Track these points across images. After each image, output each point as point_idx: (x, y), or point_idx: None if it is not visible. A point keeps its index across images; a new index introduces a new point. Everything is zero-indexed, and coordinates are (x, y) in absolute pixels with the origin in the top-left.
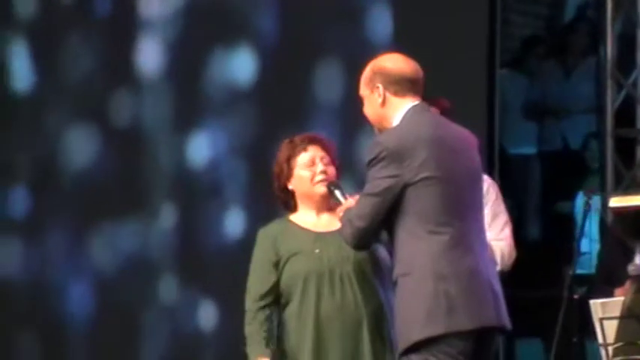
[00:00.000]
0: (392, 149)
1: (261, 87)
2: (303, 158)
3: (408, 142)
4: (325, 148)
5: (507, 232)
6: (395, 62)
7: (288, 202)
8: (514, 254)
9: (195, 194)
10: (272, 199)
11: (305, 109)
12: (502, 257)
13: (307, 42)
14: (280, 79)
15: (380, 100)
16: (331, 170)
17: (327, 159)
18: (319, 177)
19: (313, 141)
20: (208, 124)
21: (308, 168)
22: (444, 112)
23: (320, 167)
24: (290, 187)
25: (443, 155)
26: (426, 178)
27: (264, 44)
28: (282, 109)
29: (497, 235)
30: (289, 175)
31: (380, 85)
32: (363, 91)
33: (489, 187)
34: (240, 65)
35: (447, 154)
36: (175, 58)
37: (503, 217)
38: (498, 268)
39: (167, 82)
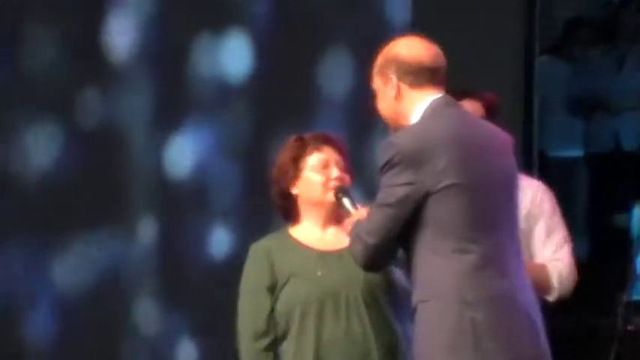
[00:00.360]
0: (408, 151)
1: (255, 79)
2: (315, 159)
3: (427, 143)
4: (341, 151)
5: (566, 250)
6: (411, 48)
7: (288, 211)
8: (574, 278)
9: (178, 205)
10: (268, 212)
11: (307, 105)
12: (560, 282)
13: (310, 26)
14: (278, 69)
15: (394, 92)
16: (347, 177)
17: (342, 164)
18: (333, 183)
19: (328, 141)
20: (193, 123)
21: (320, 171)
22: (490, 110)
23: (335, 172)
24: (294, 191)
25: (470, 158)
26: (450, 186)
27: (259, 28)
28: (281, 105)
29: (554, 254)
30: (295, 178)
31: (393, 76)
32: (375, 83)
33: (542, 196)
34: (231, 53)
35: (475, 157)
36: (154, 45)
37: (561, 232)
38: (555, 294)
39: (144, 73)
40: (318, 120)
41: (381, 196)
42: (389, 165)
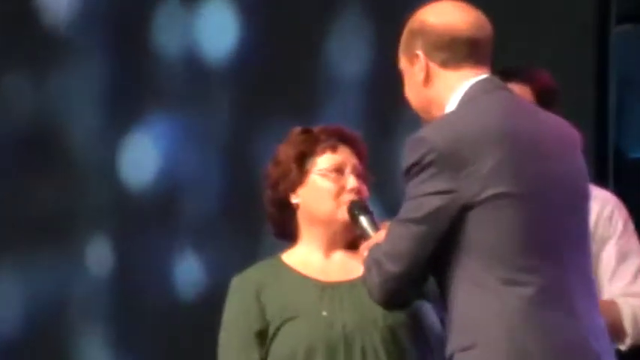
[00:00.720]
0: (443, 150)
1: (240, 56)
2: (326, 161)
3: (469, 138)
4: (360, 153)
5: None
6: (442, 14)
7: (284, 226)
8: None
9: (138, 221)
10: (255, 231)
11: (310, 90)
12: (635, 323)
13: None
14: (271, 42)
15: (422, 75)
16: (364, 188)
17: (360, 170)
18: (348, 196)
19: (344, 139)
20: (158, 114)
21: (333, 177)
22: (542, 97)
23: (352, 182)
24: (295, 200)
25: (525, 159)
26: (498, 196)
27: None
28: (275, 90)
29: (628, 286)
30: (298, 182)
31: (420, 52)
32: (401, 62)
33: (613, 211)
34: (207, 21)
35: (533, 159)
36: (105, 9)
37: (637, 258)
38: (628, 341)
39: (91, 47)
40: (323, 110)
41: (405, 209)
42: (418, 167)
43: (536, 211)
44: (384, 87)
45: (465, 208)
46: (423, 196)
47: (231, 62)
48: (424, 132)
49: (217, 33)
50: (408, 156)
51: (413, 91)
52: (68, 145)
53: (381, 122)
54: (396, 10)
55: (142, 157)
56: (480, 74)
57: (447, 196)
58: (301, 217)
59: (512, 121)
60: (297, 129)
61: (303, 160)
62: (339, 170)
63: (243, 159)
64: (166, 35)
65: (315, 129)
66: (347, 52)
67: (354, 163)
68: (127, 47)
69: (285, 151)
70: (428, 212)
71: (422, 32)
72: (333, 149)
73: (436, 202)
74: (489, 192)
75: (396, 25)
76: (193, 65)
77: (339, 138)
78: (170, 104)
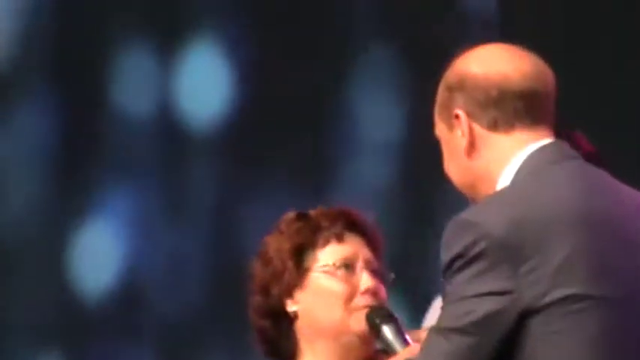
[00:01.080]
0: (498, 237)
1: (228, 121)
2: (332, 254)
3: (531, 223)
4: (374, 242)
5: None
6: (487, 61)
7: (279, 343)
8: None
9: (93, 338)
10: (245, 345)
11: (321, 153)
12: None
13: (332, 20)
14: (269, 98)
15: (465, 141)
16: (382, 290)
17: (375, 264)
18: (362, 300)
19: (354, 225)
20: (122, 188)
21: (341, 275)
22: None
23: (367, 281)
24: (292, 308)
25: (607, 251)
26: (570, 299)
27: (235, 30)
28: (271, 159)
29: None
30: (296, 283)
31: (461, 112)
32: (438, 127)
33: None
34: (188, 72)
35: (616, 249)
36: (51, 55)
37: None
38: None
39: (32, 103)
40: (331, 185)
41: (445, 316)
42: (463, 260)
43: (622, 319)
44: (413, 152)
45: (525, 315)
46: (469, 299)
47: (216, 124)
48: (471, 213)
49: (201, 86)
50: (449, 245)
51: (454, 164)
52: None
53: (409, 199)
54: (432, 59)
55: (98, 248)
56: (541, 138)
57: (502, 298)
58: (301, 330)
59: (589, 201)
60: (291, 214)
61: (300, 254)
62: (348, 266)
63: (229, 247)
64: (133, 86)
65: (314, 213)
66: (366, 109)
67: (368, 256)
68: (80, 99)
69: (277, 244)
70: (476, 320)
71: (462, 86)
72: (339, 239)
73: (487, 306)
74: (558, 294)
75: (432, 76)
76: (166, 126)
77: (346, 223)
78: (136, 176)
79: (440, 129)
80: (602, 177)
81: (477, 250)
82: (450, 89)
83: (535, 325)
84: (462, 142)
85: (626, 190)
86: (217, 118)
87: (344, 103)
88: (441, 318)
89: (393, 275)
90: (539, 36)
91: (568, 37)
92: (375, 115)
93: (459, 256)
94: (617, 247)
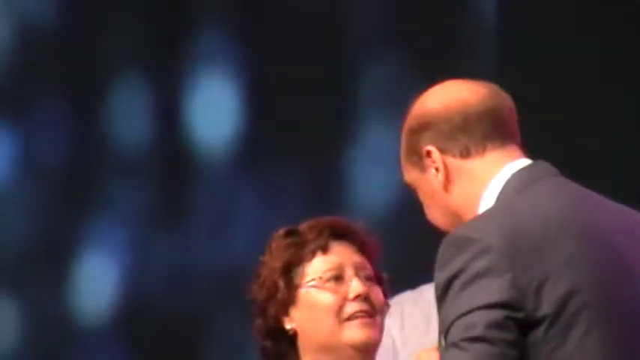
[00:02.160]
0: (498, 250)
1: (236, 152)
2: (318, 266)
3: (524, 236)
4: (365, 248)
5: None
6: (443, 94)
7: None
8: None
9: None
10: None
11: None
12: None
13: (328, 33)
14: (281, 135)
15: (441, 177)
16: (377, 293)
17: (367, 270)
18: (354, 306)
19: (340, 233)
20: (119, 198)
21: (330, 287)
22: None
23: (356, 287)
24: (289, 325)
25: (598, 259)
26: (571, 305)
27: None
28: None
29: None
30: (289, 301)
31: (433, 148)
32: (408, 174)
33: None
34: (193, 106)
35: (606, 257)
36: (54, 65)
37: None
38: None
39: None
40: (342, 204)
41: (457, 330)
42: (463, 277)
43: (620, 328)
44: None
45: (528, 324)
46: (475, 311)
47: (227, 143)
48: (465, 230)
49: (209, 107)
50: (446, 262)
51: (434, 205)
52: None
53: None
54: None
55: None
56: (516, 157)
57: (508, 308)
58: (301, 347)
59: (578, 212)
60: (280, 231)
61: (289, 272)
62: (338, 276)
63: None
64: (131, 112)
65: (302, 227)
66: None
67: (357, 262)
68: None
69: (269, 263)
70: (487, 329)
71: (426, 125)
72: (324, 250)
73: (494, 315)
74: (557, 302)
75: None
76: (168, 155)
77: (331, 233)
78: (128, 221)
79: (411, 175)
80: (587, 191)
81: (477, 265)
82: (415, 132)
83: (538, 333)
84: (438, 178)
85: (609, 203)
86: (226, 139)
87: (354, 121)
88: (450, 335)
89: (386, 275)
90: (539, 37)
91: (568, 38)
92: (385, 131)
93: (459, 272)
94: (607, 254)
